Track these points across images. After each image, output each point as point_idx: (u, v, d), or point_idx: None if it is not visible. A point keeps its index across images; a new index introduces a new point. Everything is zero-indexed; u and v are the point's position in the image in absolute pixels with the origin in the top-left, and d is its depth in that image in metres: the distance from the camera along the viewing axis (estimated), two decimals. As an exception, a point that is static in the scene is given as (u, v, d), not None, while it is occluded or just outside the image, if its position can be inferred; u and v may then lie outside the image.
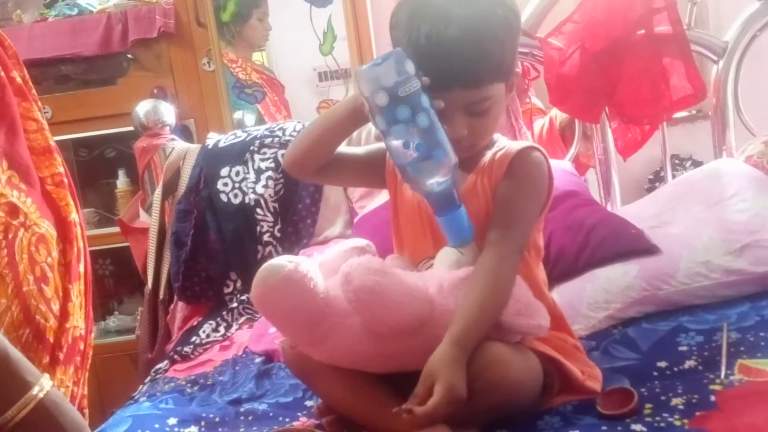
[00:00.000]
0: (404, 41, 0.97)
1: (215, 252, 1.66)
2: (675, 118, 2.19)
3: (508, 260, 0.97)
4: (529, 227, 1.03)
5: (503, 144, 1.06)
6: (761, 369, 1.01)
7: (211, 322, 1.56)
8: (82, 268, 1.15)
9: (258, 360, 1.37)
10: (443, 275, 0.97)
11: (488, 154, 1.04)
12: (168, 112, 1.79)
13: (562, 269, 1.37)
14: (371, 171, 1.12)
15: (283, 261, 0.95)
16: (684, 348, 1.14)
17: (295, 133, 1.69)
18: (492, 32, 0.96)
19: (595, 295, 1.30)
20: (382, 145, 1.03)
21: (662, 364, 1.09)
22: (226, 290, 1.67)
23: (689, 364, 1.08)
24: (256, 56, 2.39)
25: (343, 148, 1.09)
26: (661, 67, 1.65)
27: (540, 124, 2.21)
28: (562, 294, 1.34)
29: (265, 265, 0.96)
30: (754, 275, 1.25)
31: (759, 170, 1.48)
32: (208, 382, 1.31)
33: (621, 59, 1.63)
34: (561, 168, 1.66)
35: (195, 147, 1.76)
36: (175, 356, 1.46)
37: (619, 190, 1.78)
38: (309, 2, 2.18)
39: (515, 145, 1.05)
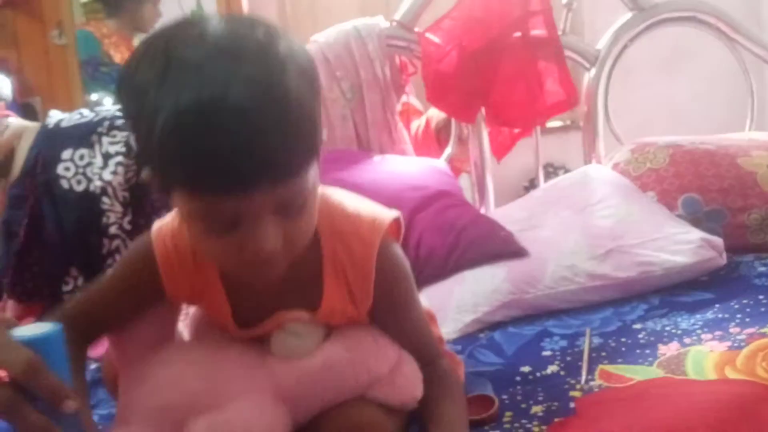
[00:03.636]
0: (155, 118, 0.61)
1: (52, 244, 1.47)
2: (549, 128, 2.24)
3: (446, 360, 0.90)
4: (422, 312, 0.90)
5: (333, 222, 0.79)
6: (620, 375, 1.00)
7: (44, 323, 1.38)
8: None
9: (94, 366, 1.21)
10: (300, 366, 0.81)
11: (319, 248, 0.79)
12: (4, 86, 1.58)
13: (431, 270, 1.32)
14: (151, 302, 0.84)
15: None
16: (548, 353, 1.11)
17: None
18: (300, 103, 0.64)
19: (463, 297, 1.26)
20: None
21: (525, 369, 1.06)
22: (65, 288, 1.49)
23: (552, 369, 1.05)
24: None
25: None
26: (536, 71, 1.65)
27: (416, 124, 2.18)
28: (431, 296, 1.29)
29: None
30: (617, 280, 1.26)
31: (625, 177, 1.49)
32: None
33: (497, 60, 1.62)
34: (435, 167, 1.63)
35: (34, 125, 1.56)
36: None
37: (495, 196, 1.77)
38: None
39: (363, 233, 0.79)
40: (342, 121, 1.63)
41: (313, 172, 0.69)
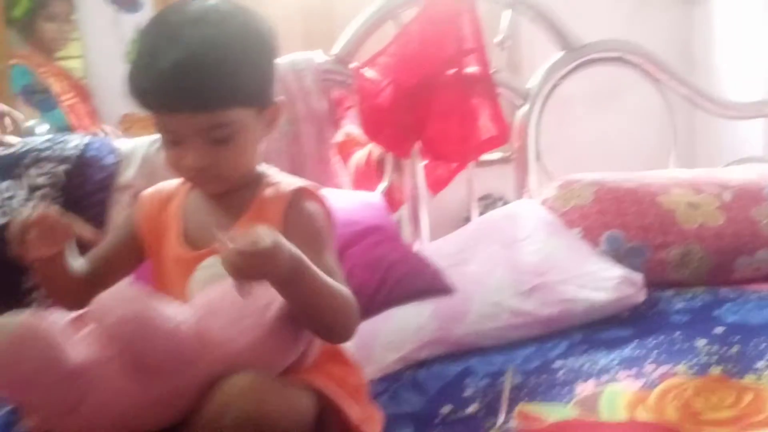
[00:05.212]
0: (132, 59, 0.91)
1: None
2: (489, 159, 2.28)
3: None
4: (334, 260, 0.95)
5: (274, 180, 0.97)
6: (536, 416, 1.01)
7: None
8: None
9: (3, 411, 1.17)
10: (207, 296, 0.88)
11: (257, 192, 0.95)
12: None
13: (359, 308, 1.32)
14: (133, 249, 1.01)
15: (14, 317, 0.81)
16: (469, 392, 1.12)
17: (79, 148, 1.51)
18: (223, 53, 0.87)
19: (389, 335, 1.26)
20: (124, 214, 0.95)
21: (446, 409, 1.07)
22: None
23: (472, 409, 1.07)
24: (75, 63, 2.22)
25: (90, 254, 0.99)
26: (469, 107, 1.69)
27: (359, 155, 2.19)
28: (358, 334, 1.29)
29: None
30: (540, 317, 1.28)
31: (552, 213, 1.53)
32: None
33: (432, 96, 1.65)
34: (368, 202, 1.63)
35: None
36: None
37: (434, 228, 1.79)
38: (117, 8, 2.01)
39: (286, 186, 0.95)
40: (277, 154, 1.63)
41: (243, 117, 0.89)
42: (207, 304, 0.87)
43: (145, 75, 0.87)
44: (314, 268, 0.85)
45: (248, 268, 0.78)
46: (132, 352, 0.81)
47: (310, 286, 0.84)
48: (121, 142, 1.59)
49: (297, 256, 0.82)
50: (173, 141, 0.90)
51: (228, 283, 0.84)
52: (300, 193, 0.95)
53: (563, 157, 2.18)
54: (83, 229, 0.92)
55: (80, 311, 0.92)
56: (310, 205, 0.95)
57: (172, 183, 1.02)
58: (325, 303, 0.86)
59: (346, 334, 0.92)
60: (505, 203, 2.31)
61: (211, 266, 0.90)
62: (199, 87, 0.85)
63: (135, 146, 1.55)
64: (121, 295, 0.83)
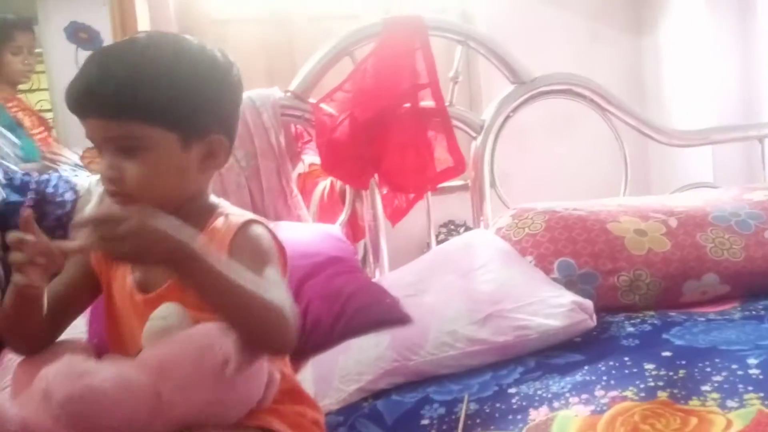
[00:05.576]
0: None
1: None
2: (451, 186, 2.33)
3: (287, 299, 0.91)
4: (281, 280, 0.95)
5: (225, 212, 0.99)
6: (489, 444, 1.03)
7: None
8: None
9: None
10: (160, 353, 0.88)
11: (207, 224, 0.97)
12: None
13: (317, 340, 1.33)
14: (88, 283, 1.01)
15: None
16: (426, 421, 1.14)
17: (38, 184, 1.51)
18: (147, 70, 0.89)
19: (348, 366, 1.27)
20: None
21: (403, 439, 1.08)
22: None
23: (428, 438, 1.08)
24: (42, 95, 2.26)
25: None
26: (425, 139, 1.73)
27: (322, 186, 2.22)
28: (316, 366, 1.30)
29: None
30: (495, 345, 1.30)
31: (506, 242, 1.56)
32: None
33: (388, 129, 1.69)
34: (328, 233, 1.66)
35: None
36: None
37: (399, 254, 1.81)
38: (74, 44, 2.02)
39: (237, 218, 0.97)
40: (237, 188, 1.65)
41: (156, 136, 0.89)
42: (161, 363, 0.84)
43: (73, 81, 0.91)
44: (237, 271, 0.84)
45: (112, 239, 0.79)
46: (82, 430, 0.80)
47: (223, 285, 0.82)
48: (79, 179, 1.60)
49: (196, 248, 0.82)
50: (99, 151, 0.93)
51: (184, 338, 0.85)
52: (248, 226, 0.96)
53: (523, 184, 2.24)
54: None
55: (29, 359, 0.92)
56: (257, 229, 0.96)
57: None
58: (252, 311, 0.83)
59: (278, 346, 0.89)
60: (467, 229, 2.36)
61: (165, 317, 0.90)
62: (109, 94, 0.87)
63: (92, 183, 1.55)
64: (67, 369, 0.81)
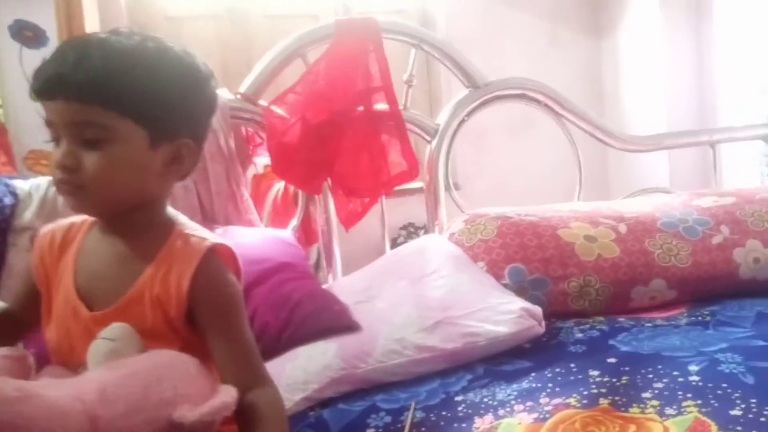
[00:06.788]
0: None
1: None
2: (410, 188, 2.32)
3: (274, 387, 0.92)
4: (249, 333, 0.95)
5: (185, 230, 0.94)
6: (431, 454, 1.02)
7: None
8: None
9: None
10: (103, 376, 0.83)
11: (165, 240, 0.93)
12: None
13: (264, 348, 1.29)
14: (33, 296, 0.98)
15: None
16: (371, 430, 1.12)
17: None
18: (121, 60, 0.86)
19: (294, 375, 1.25)
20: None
21: (348, 449, 1.07)
22: None
23: (373, 448, 1.07)
24: None
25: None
26: (379, 143, 1.72)
27: (276, 188, 2.19)
28: (262, 374, 1.28)
29: None
30: (444, 352, 1.29)
31: (459, 248, 1.56)
32: None
33: (341, 132, 1.67)
34: (279, 238, 1.63)
35: None
36: None
37: (357, 257, 1.80)
38: (19, 43, 1.96)
39: (198, 243, 0.93)
40: (185, 191, 1.62)
41: (121, 128, 0.86)
42: (104, 389, 0.81)
43: (45, 62, 0.87)
44: None
45: None
46: None
47: None
48: (19, 183, 1.55)
49: None
50: (54, 139, 0.88)
51: (132, 366, 0.82)
52: (211, 254, 0.92)
53: (483, 187, 2.25)
54: None
55: None
56: (221, 269, 0.93)
57: (75, 220, 0.98)
58: None
59: None
60: (427, 232, 2.36)
61: (114, 339, 0.86)
62: (82, 76, 0.84)
63: (33, 187, 1.50)
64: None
